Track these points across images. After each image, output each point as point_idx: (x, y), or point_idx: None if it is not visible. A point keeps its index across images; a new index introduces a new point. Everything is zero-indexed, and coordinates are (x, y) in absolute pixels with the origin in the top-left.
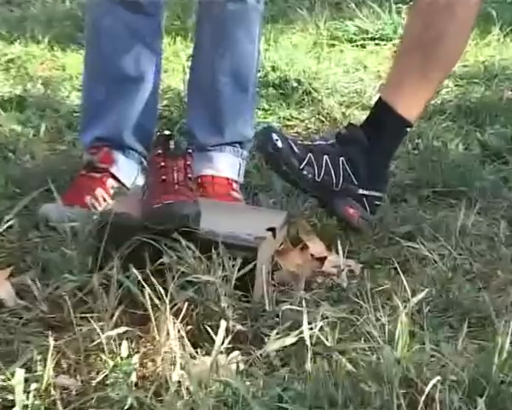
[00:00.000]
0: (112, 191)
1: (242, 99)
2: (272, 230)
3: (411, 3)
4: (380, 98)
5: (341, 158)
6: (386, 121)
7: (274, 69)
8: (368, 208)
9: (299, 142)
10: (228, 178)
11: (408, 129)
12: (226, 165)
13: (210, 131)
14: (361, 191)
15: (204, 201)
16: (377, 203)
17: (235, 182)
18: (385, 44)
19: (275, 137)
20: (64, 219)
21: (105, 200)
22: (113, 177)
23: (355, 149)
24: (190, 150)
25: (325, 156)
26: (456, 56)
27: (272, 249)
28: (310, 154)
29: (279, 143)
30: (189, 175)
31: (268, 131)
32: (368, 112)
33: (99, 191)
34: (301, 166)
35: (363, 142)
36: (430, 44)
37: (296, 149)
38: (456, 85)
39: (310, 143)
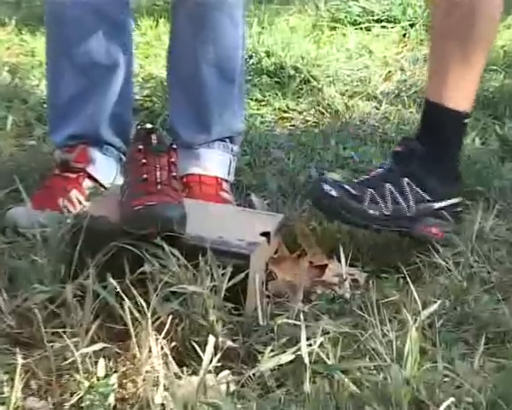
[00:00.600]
0: (88, 192)
1: (229, 90)
2: (266, 234)
3: None
4: (427, 101)
5: (405, 179)
6: (441, 122)
7: (269, 55)
8: (451, 219)
9: (355, 180)
10: (217, 178)
11: (466, 120)
12: (215, 162)
13: (195, 128)
14: (437, 205)
15: (190, 202)
16: (459, 210)
17: (225, 181)
18: (392, 27)
19: (326, 187)
20: (34, 225)
21: (80, 203)
22: (90, 177)
23: (416, 164)
24: (175, 146)
25: (387, 185)
26: (493, 31)
27: (266, 256)
28: (369, 189)
29: (333, 193)
30: (174, 174)
31: (317, 184)
32: (372, 102)
33: (74, 193)
34: (364, 207)
35: (422, 152)
36: (462, 25)
37: (353, 191)
38: None
39: (365, 177)
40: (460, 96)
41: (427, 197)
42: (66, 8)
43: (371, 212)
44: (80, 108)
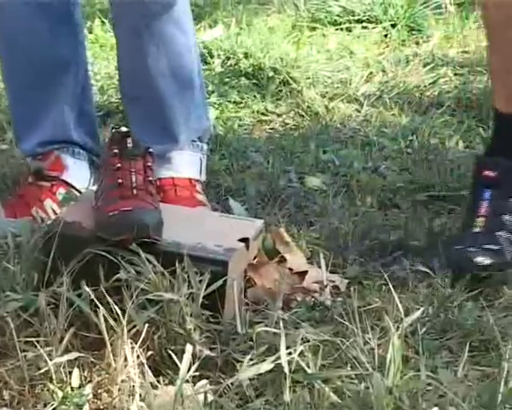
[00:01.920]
0: (61, 198)
1: (190, 95)
2: (245, 240)
3: None
4: (498, 113)
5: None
6: None
7: (247, 56)
8: None
9: (478, 230)
10: (190, 179)
11: None
12: (186, 164)
13: (163, 140)
14: None
15: (166, 207)
16: None
17: (198, 182)
18: (373, 28)
19: (478, 260)
20: (6, 233)
21: (55, 213)
22: (65, 184)
23: None
24: (151, 149)
25: (505, 217)
26: None
27: (245, 263)
28: (499, 233)
29: (487, 261)
30: (150, 178)
31: (466, 261)
32: (353, 104)
33: (48, 203)
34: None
35: None
36: None
37: (494, 246)
38: (455, 75)
39: (481, 219)
40: None
41: None
42: (16, 9)
43: None
44: (44, 113)
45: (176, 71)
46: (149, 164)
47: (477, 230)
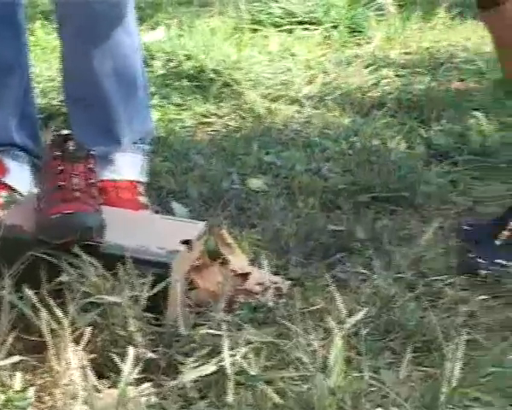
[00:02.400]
0: (2, 201)
1: (134, 97)
2: (187, 242)
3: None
4: None
5: None
6: None
7: (188, 58)
8: None
9: (497, 242)
10: (132, 181)
11: None
12: (128, 166)
13: (106, 142)
14: None
15: (108, 210)
16: None
17: (140, 183)
18: (315, 29)
19: (484, 273)
20: None
21: None
22: (7, 187)
23: None
24: (93, 152)
25: None
26: None
27: (187, 265)
28: None
29: (482, 272)
30: (92, 180)
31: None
32: (295, 106)
33: None
34: None
35: None
36: None
37: (505, 261)
38: (396, 76)
39: (504, 230)
40: None
41: None
42: None
43: None
44: None
45: (120, 72)
46: (91, 166)
47: (499, 243)
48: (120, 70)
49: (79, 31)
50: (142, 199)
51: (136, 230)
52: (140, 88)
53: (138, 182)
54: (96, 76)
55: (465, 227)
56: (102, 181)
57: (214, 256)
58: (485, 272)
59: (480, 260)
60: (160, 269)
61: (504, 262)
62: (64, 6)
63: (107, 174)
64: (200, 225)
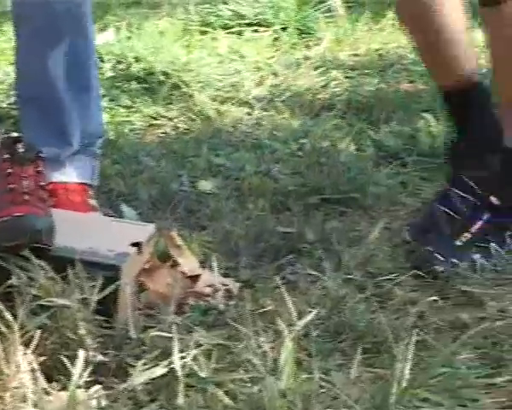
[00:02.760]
0: None
1: (87, 98)
2: (137, 245)
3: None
4: (507, 148)
5: (508, 233)
6: None
7: (138, 60)
8: None
9: (457, 243)
10: (82, 184)
11: None
12: (79, 169)
13: (58, 144)
14: None
15: (58, 212)
16: None
17: (90, 186)
18: (265, 31)
19: (439, 269)
20: None
21: None
22: None
23: None
24: (42, 154)
25: (492, 244)
26: None
27: (138, 267)
28: (475, 255)
29: (438, 268)
30: (42, 183)
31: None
32: (244, 108)
33: None
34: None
35: None
36: None
37: (459, 262)
38: (346, 77)
39: (466, 231)
40: None
41: None
42: None
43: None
44: None
45: (74, 73)
46: (40, 169)
47: (459, 243)
48: (74, 72)
49: (37, 31)
50: (92, 202)
51: (86, 232)
52: (93, 90)
53: (88, 185)
54: (50, 77)
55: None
56: (52, 183)
57: (164, 259)
58: (441, 268)
59: (438, 256)
60: (109, 272)
61: (458, 262)
62: (22, 6)
63: (58, 176)
64: (150, 228)
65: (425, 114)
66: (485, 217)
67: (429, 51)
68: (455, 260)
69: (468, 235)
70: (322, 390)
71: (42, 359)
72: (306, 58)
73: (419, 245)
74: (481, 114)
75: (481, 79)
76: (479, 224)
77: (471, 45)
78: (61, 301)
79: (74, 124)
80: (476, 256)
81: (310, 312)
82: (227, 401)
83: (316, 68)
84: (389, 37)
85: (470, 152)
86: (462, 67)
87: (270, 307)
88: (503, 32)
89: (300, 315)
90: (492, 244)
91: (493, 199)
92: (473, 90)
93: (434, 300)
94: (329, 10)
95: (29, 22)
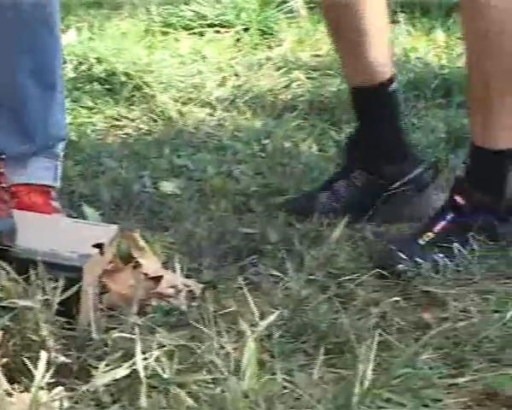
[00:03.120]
0: None
1: (51, 97)
2: (99, 246)
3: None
4: (475, 146)
5: (470, 233)
6: (497, 166)
7: (99, 61)
8: None
9: (422, 242)
10: (45, 186)
11: None
12: (42, 170)
13: (19, 140)
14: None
15: (20, 214)
16: None
17: (53, 188)
18: (226, 32)
19: (402, 267)
20: None
21: None
22: None
23: (484, 218)
24: (3, 156)
25: (455, 244)
26: None
27: (100, 269)
28: (437, 255)
29: (400, 266)
30: (3, 185)
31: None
32: (206, 109)
33: None
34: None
35: (488, 204)
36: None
37: (422, 261)
38: (308, 78)
39: (431, 236)
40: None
41: (492, 244)
42: None
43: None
44: None
45: (40, 72)
46: (1, 170)
47: (422, 243)
48: (40, 70)
49: (5, 26)
50: (55, 204)
51: (48, 234)
52: (57, 91)
53: (51, 187)
54: (15, 75)
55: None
56: (15, 185)
57: (126, 260)
58: (404, 268)
59: (402, 255)
60: (72, 273)
61: (421, 261)
62: None
63: (20, 178)
64: (112, 229)
65: None
66: (449, 217)
67: (349, 52)
68: (418, 260)
69: (430, 234)
70: (284, 391)
71: (4, 360)
72: (268, 59)
73: (382, 244)
74: (382, 118)
75: (394, 87)
76: (442, 224)
77: (389, 47)
78: (23, 303)
79: (37, 123)
80: (439, 256)
81: (272, 312)
82: (190, 402)
83: (278, 69)
84: None
85: (366, 154)
86: (375, 68)
87: (232, 308)
88: (476, 27)
89: (263, 316)
90: (455, 244)
91: (457, 198)
92: (380, 93)
93: (397, 300)
94: (291, 11)
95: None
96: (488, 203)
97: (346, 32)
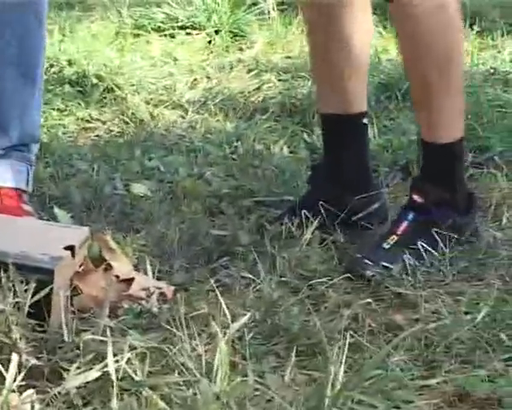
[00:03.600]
0: None
1: (30, 93)
2: (71, 248)
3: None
4: (423, 142)
5: (433, 229)
6: (448, 160)
7: (70, 63)
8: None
9: (387, 245)
10: (17, 189)
11: (464, 142)
12: (13, 173)
13: None
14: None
15: None
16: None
17: (24, 192)
18: (197, 34)
19: (370, 273)
20: None
21: None
22: None
23: (443, 210)
24: None
25: (419, 242)
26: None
27: (71, 271)
28: (405, 256)
29: (368, 273)
30: None
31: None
32: (178, 111)
33: None
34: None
35: (446, 198)
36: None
37: (392, 266)
38: (279, 80)
39: (395, 237)
40: (452, 126)
41: (456, 236)
42: None
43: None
44: None
45: (23, 63)
46: None
47: (387, 246)
48: (25, 62)
49: None
50: (27, 207)
51: (19, 236)
52: (37, 88)
53: (23, 191)
54: None
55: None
56: None
57: (98, 262)
58: (371, 273)
59: (367, 262)
60: (43, 275)
61: (389, 265)
62: None
63: None
64: (83, 231)
65: None
66: (410, 216)
67: (329, 81)
68: (385, 264)
69: (394, 237)
70: (256, 393)
71: None
72: (239, 61)
73: (350, 250)
74: (349, 151)
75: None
76: (404, 224)
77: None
78: None
79: (14, 114)
80: (406, 257)
81: (244, 315)
82: (161, 404)
83: (249, 71)
84: None
85: (330, 184)
86: (350, 101)
87: (204, 310)
88: (404, 28)
89: (234, 318)
90: (420, 242)
91: (416, 197)
92: (350, 126)
93: (368, 302)
94: (262, 13)
95: None
96: (447, 198)
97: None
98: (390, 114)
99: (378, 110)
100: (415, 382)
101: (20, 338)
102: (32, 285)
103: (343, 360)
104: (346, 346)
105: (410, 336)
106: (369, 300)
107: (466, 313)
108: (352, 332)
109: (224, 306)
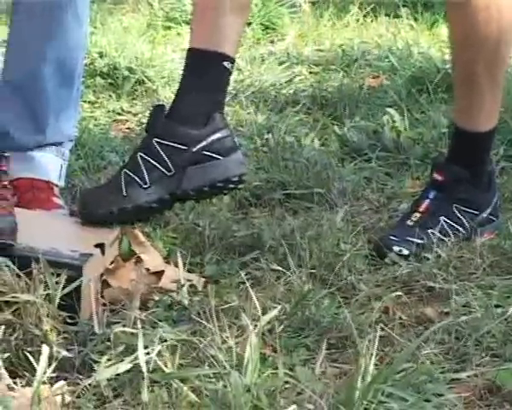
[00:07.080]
0: None
1: (67, 93)
2: (101, 246)
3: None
4: (458, 128)
5: (454, 205)
6: (476, 145)
7: (102, 56)
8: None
9: (410, 223)
10: (48, 182)
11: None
12: (47, 166)
13: (30, 130)
14: (484, 215)
15: (22, 212)
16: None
17: (56, 186)
18: None
19: (396, 249)
20: None
21: None
22: None
23: (464, 188)
24: (7, 154)
25: (441, 218)
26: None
27: (101, 268)
28: (429, 230)
29: (405, 252)
30: (5, 183)
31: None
32: None
33: None
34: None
35: (467, 176)
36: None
37: (420, 240)
38: (310, 73)
39: (418, 215)
40: (487, 116)
41: (476, 212)
42: None
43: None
44: None
45: (61, 63)
46: (4, 169)
47: (411, 223)
48: (63, 62)
49: (32, 13)
50: (58, 200)
51: (49, 232)
52: (75, 87)
53: (54, 184)
54: (38, 61)
55: None
56: (19, 179)
57: (128, 255)
58: (398, 248)
59: (392, 238)
60: (72, 272)
61: (417, 240)
62: None
63: (26, 173)
64: (114, 229)
65: (389, 110)
66: (431, 195)
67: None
68: (409, 238)
69: (417, 214)
70: (286, 386)
71: (6, 355)
72: (271, 53)
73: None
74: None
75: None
76: (426, 202)
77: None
78: (25, 297)
79: (50, 114)
80: (430, 231)
81: (274, 307)
82: (192, 396)
83: (280, 64)
84: (353, 32)
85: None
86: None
87: (234, 303)
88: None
89: (265, 311)
90: (442, 218)
91: (436, 176)
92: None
93: (399, 295)
94: (294, 6)
95: (25, 8)
96: (467, 176)
97: None
98: (421, 107)
99: (409, 103)
100: (445, 375)
101: (51, 330)
102: (63, 277)
103: (373, 353)
104: (377, 339)
105: (441, 329)
106: (400, 293)
107: (497, 307)
108: (382, 325)
109: (254, 298)
